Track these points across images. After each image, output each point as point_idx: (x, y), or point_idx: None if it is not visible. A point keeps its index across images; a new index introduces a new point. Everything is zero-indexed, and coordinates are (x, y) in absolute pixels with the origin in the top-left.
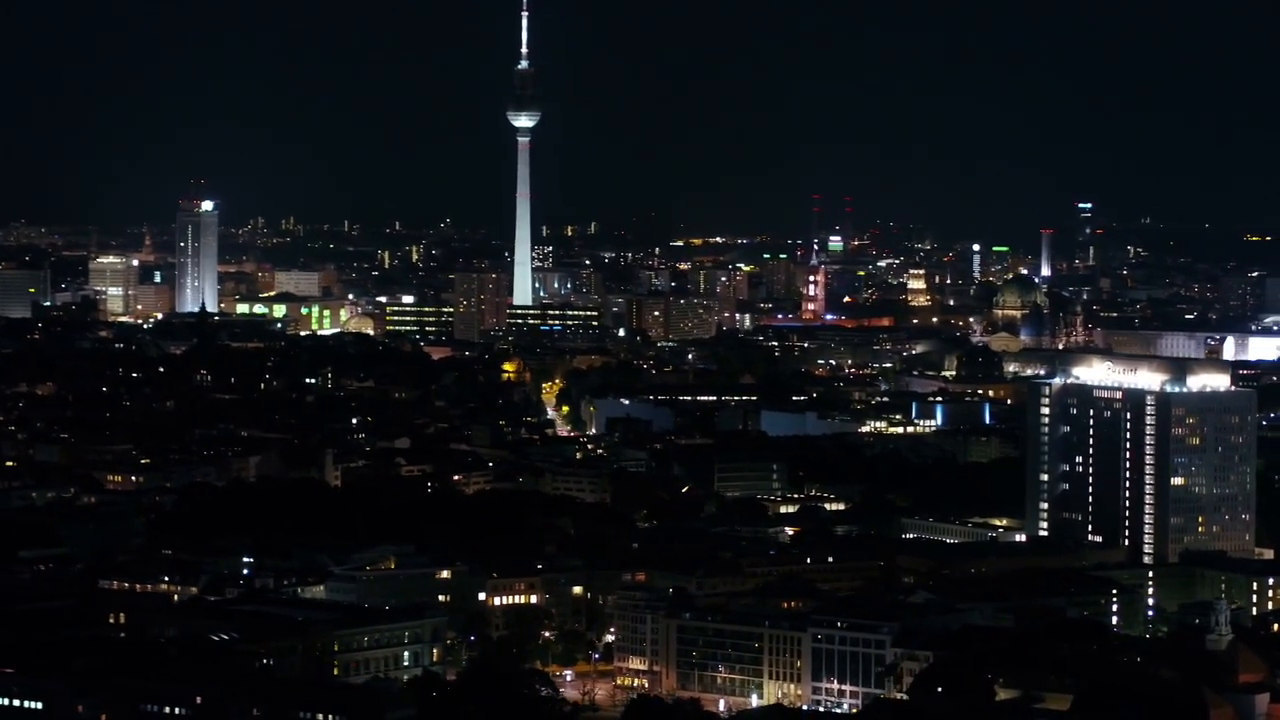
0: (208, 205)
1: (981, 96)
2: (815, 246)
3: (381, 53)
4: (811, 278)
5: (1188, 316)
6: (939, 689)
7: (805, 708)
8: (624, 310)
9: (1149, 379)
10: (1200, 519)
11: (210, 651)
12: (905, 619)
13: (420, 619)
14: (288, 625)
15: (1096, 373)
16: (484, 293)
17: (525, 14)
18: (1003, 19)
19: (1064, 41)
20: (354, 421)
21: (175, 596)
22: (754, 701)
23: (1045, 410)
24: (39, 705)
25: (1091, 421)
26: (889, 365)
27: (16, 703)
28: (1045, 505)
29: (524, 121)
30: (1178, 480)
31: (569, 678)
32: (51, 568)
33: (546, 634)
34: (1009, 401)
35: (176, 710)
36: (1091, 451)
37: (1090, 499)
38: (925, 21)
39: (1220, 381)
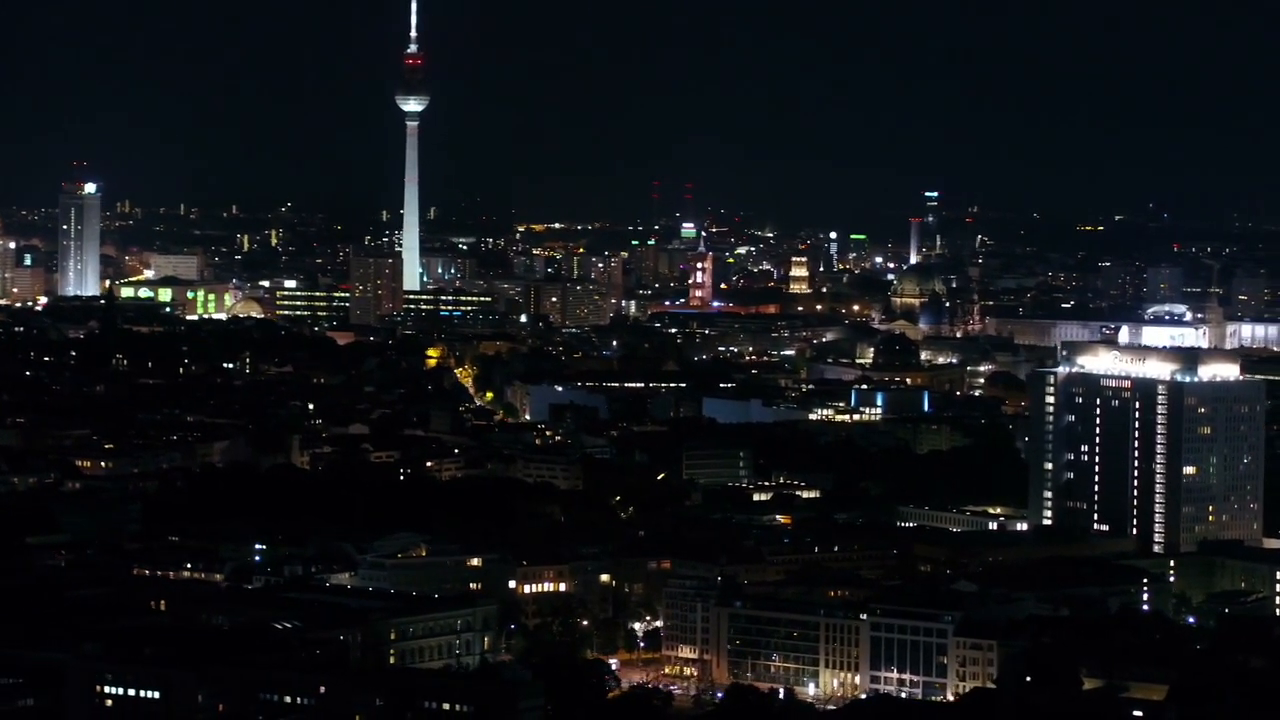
0: (90, 188)
1: (819, 88)
2: (705, 234)
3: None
4: (699, 265)
5: (1064, 305)
6: (1027, 678)
7: (865, 696)
8: (516, 295)
9: (1158, 368)
10: (1210, 508)
11: (286, 640)
12: (966, 608)
13: (472, 607)
14: (347, 613)
15: (1103, 362)
16: (380, 278)
17: None
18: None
19: (905, 36)
20: (310, 407)
21: (222, 585)
22: (810, 690)
23: (1050, 399)
24: (156, 694)
25: (1098, 410)
26: (789, 352)
27: (133, 691)
28: (1049, 494)
29: (413, 106)
30: (1189, 469)
31: (615, 666)
32: (65, 554)
33: (584, 622)
34: (938, 388)
35: (299, 700)
36: (1098, 440)
37: (1096, 488)
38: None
39: (1230, 371)
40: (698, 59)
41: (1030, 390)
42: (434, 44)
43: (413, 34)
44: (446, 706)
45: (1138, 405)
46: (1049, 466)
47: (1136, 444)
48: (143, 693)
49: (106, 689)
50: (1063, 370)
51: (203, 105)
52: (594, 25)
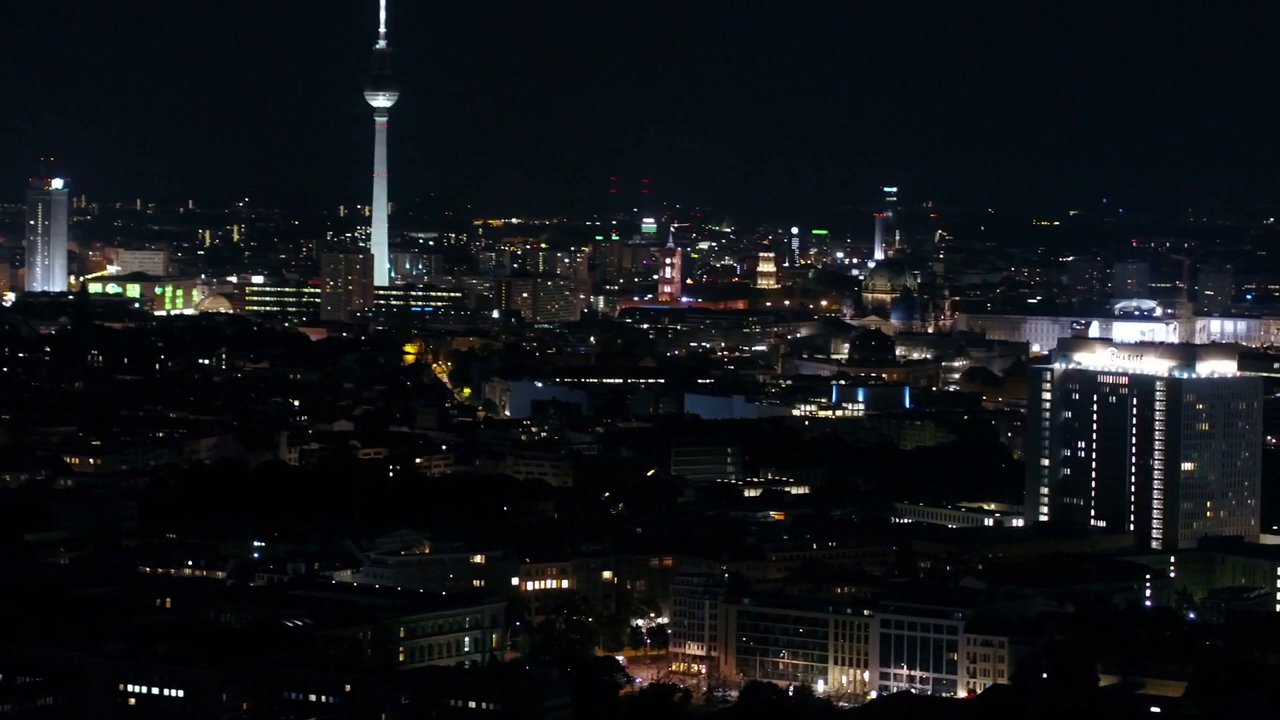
0: (58, 183)
1: (772, 85)
2: (672, 230)
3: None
4: (668, 260)
5: (1030, 301)
6: (1044, 675)
7: (874, 694)
8: (485, 291)
9: (1156, 364)
10: (1209, 504)
11: (305, 638)
12: (975, 605)
13: (480, 604)
14: (357, 611)
15: (1100, 358)
16: (351, 273)
17: None
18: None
19: (856, 31)
20: (296, 404)
21: (227, 582)
22: (820, 687)
23: (1046, 395)
24: (180, 693)
25: (1095, 407)
26: (761, 348)
27: (157, 690)
28: (1046, 490)
29: (382, 101)
30: (1187, 465)
31: (621, 663)
32: (65, 552)
33: (589, 619)
34: (913, 384)
35: (324, 698)
36: (1095, 437)
37: (1094, 484)
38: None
39: (1228, 367)
40: (654, 58)
41: (1027, 386)
42: (403, 40)
43: (381, 29)
44: (473, 705)
45: (1135, 401)
46: (1045, 463)
47: (1134, 440)
48: (166, 691)
49: (129, 687)
50: (1059, 366)
51: (159, 100)
52: (554, 22)
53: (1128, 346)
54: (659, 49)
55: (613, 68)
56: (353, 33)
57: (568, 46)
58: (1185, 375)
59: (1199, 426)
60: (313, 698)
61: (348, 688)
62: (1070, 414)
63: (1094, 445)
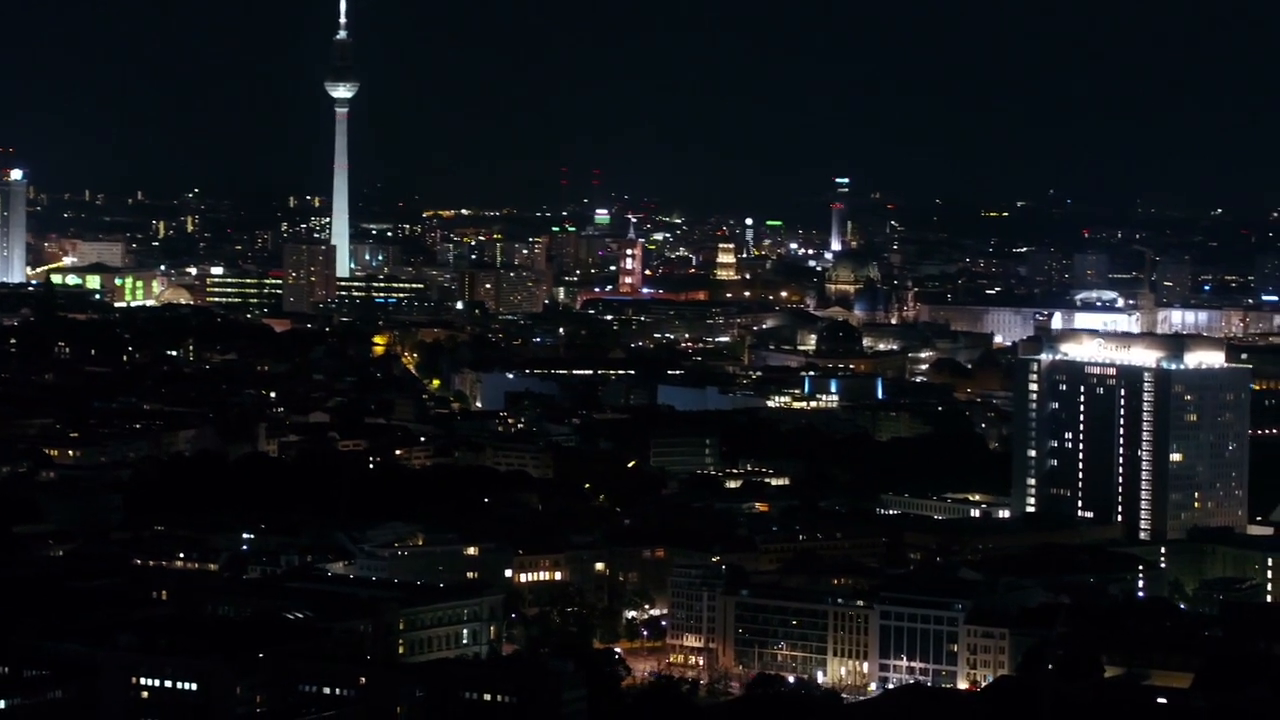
0: (16, 174)
1: (720, 76)
2: (633, 221)
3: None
4: (629, 251)
5: (989, 292)
6: (1049, 666)
7: (874, 686)
8: (445, 282)
9: (1143, 355)
10: (1196, 495)
11: (314, 631)
12: (975, 596)
13: (479, 596)
14: (357, 603)
15: (1087, 349)
16: (314, 264)
17: None
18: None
19: (798, 21)
20: (272, 395)
21: (224, 575)
22: (820, 679)
23: (1033, 386)
24: (193, 686)
25: (1082, 398)
26: (725, 339)
27: (169, 684)
28: (1032, 481)
29: (342, 92)
30: (1175, 456)
31: (618, 655)
32: (54, 544)
33: (584, 611)
34: (881, 375)
35: (339, 691)
36: (1082, 428)
37: (1081, 476)
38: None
39: (1216, 358)
40: (606, 51)
41: (1013, 378)
42: (363, 31)
43: (342, 20)
44: (488, 697)
45: (1123, 392)
46: (1032, 454)
47: (1122, 431)
48: (179, 684)
49: (142, 681)
50: (1046, 357)
51: (107, 89)
52: (511, 14)
53: (1115, 337)
54: (611, 42)
55: (567, 60)
56: (312, 24)
57: (524, 38)
58: (1173, 366)
59: (1187, 417)
60: (326, 690)
61: (362, 680)
62: (1057, 405)
63: (1081, 436)
